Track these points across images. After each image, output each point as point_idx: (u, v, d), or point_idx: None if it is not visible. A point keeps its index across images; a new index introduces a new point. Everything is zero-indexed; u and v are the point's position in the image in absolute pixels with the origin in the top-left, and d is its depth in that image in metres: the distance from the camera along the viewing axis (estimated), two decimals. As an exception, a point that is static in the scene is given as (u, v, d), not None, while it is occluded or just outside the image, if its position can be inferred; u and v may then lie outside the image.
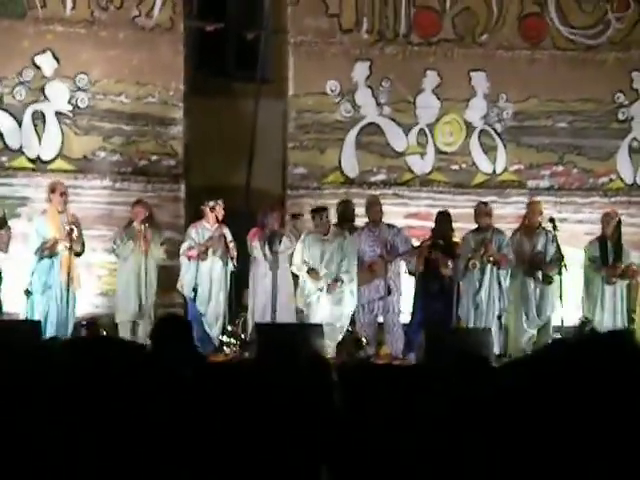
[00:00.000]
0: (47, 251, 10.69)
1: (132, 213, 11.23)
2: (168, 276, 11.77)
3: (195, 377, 4.26)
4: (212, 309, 11.13)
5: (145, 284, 11.08)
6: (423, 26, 12.89)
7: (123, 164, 12.35)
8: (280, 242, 11.05)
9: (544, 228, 11.36)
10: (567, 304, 11.22)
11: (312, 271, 10.80)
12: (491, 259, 11.10)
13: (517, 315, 11.40)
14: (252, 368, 4.18)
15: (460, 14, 12.88)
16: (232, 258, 11.09)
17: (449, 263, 11.04)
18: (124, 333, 11.03)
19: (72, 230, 10.71)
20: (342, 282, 10.77)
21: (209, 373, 4.50)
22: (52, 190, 10.98)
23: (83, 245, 10.92)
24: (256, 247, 11.05)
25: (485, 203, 11.66)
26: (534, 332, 11.42)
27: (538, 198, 12.28)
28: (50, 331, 10.50)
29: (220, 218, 11.22)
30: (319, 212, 11.04)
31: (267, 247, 11.01)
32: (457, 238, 11.35)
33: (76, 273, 10.88)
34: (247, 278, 11.36)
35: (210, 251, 11.10)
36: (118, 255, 11.18)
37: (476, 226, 11.40)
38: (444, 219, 11.34)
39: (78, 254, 10.89)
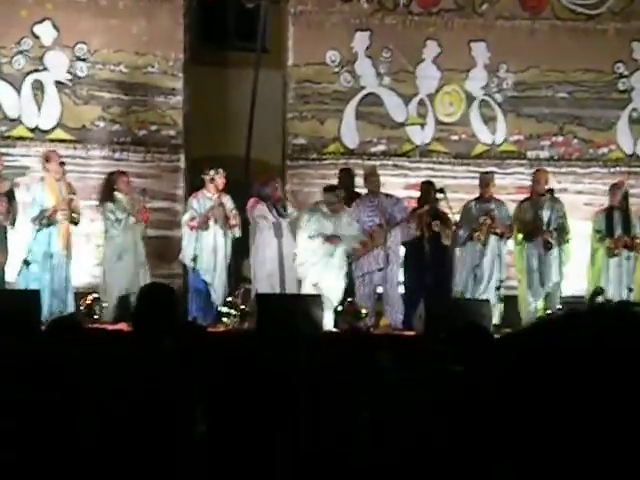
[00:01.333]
0: (46, 220, 10.69)
1: (117, 184, 11.11)
2: (167, 246, 11.80)
3: (176, 349, 4.28)
4: (217, 278, 11.14)
5: (139, 256, 11.09)
6: (423, -4, 12.84)
7: (122, 134, 12.33)
8: (285, 209, 11.09)
9: (550, 197, 11.36)
10: (569, 274, 11.26)
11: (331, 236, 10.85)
12: (498, 231, 11.16)
13: (521, 284, 11.41)
14: (251, 339, 4.21)
15: (460, -16, 12.82)
16: (234, 227, 11.11)
17: (448, 232, 11.07)
18: (116, 305, 10.97)
19: (72, 199, 10.72)
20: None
21: (201, 344, 4.52)
22: (47, 159, 10.95)
23: (79, 214, 10.93)
24: (261, 214, 11.04)
25: (489, 173, 11.69)
26: (538, 302, 11.43)
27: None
28: (49, 301, 10.52)
29: (221, 188, 11.22)
30: (333, 190, 11.07)
31: (273, 213, 11.05)
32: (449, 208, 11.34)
33: (72, 242, 10.91)
34: (246, 249, 11.38)
35: (211, 221, 11.10)
36: (115, 227, 11.09)
37: (477, 195, 11.44)
38: (430, 188, 11.34)
39: (76, 223, 10.89)
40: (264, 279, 10.93)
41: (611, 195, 11.64)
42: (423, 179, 12.02)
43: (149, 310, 4.41)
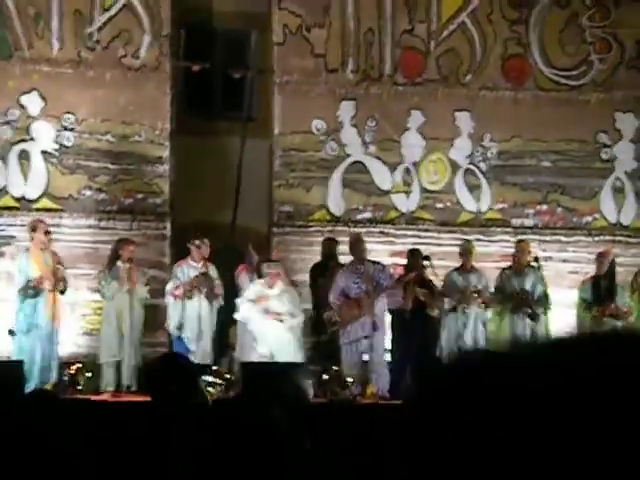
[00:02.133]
0: (32, 290, 10.66)
1: (121, 251, 11.18)
2: (153, 315, 11.76)
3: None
4: (201, 347, 11.12)
5: (130, 324, 11.06)
6: (408, 66, 12.99)
7: (109, 203, 12.36)
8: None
9: (532, 267, 11.41)
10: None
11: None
12: (484, 303, 11.24)
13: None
14: (234, 407, 4.19)
15: (444, 55, 12.98)
16: (218, 296, 11.13)
17: (434, 302, 11.09)
18: (108, 373, 10.99)
19: (58, 269, 10.72)
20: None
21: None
22: (33, 228, 10.95)
23: (66, 283, 10.91)
24: (245, 280, 11.15)
25: (469, 242, 11.76)
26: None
27: (522, 237, 12.35)
28: (35, 371, 10.47)
29: (206, 256, 11.25)
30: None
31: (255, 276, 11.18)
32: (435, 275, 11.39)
33: (59, 312, 10.87)
34: (231, 317, 11.37)
35: (196, 290, 11.12)
36: (103, 295, 11.15)
37: (458, 265, 11.50)
38: (416, 256, 11.39)
39: (62, 292, 10.87)
40: (250, 348, 10.92)
41: (598, 264, 11.70)
42: (409, 246, 12.07)
43: (164, 382, 4.34)
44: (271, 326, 10.93)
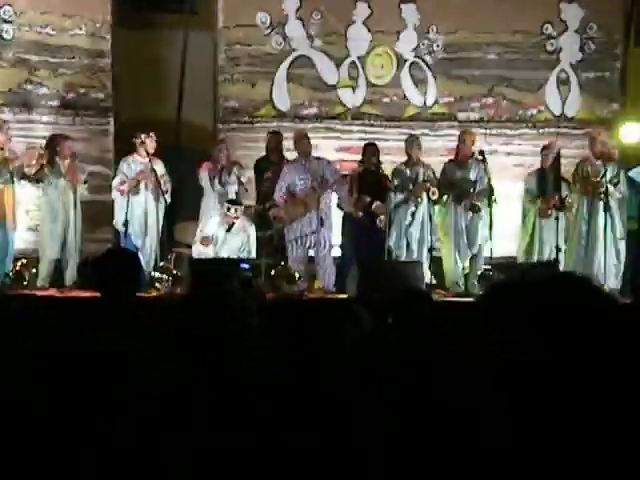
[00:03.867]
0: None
1: (59, 148, 11.05)
2: (98, 211, 11.69)
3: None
4: (148, 243, 11.11)
5: (73, 222, 11.00)
6: (353, -43, 12.79)
7: (50, 97, 12.16)
8: (229, 175, 11.23)
9: (476, 159, 11.43)
10: (499, 236, 11.37)
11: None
12: (434, 196, 11.25)
13: (449, 246, 11.51)
14: (184, 302, 4.20)
15: (390, -55, 12.80)
16: (165, 192, 11.07)
17: (382, 216, 11.10)
18: (48, 270, 10.95)
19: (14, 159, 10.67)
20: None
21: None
22: None
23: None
24: (204, 179, 11.17)
25: (414, 136, 11.74)
26: (466, 263, 11.57)
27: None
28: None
29: (151, 151, 11.15)
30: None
31: (216, 180, 11.10)
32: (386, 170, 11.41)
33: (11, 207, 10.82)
34: (177, 213, 11.37)
35: (142, 185, 11.05)
36: (45, 190, 11.03)
37: (405, 159, 11.49)
38: (372, 150, 11.36)
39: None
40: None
41: (543, 157, 11.74)
42: (355, 142, 12.04)
43: (116, 275, 4.36)
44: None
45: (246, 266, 10.33)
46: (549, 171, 11.60)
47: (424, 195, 11.24)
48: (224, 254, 11.00)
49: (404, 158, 11.54)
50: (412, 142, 11.57)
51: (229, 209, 11.03)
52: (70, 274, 11.05)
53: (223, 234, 11.08)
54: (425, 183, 11.29)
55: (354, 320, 4.56)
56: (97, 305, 4.39)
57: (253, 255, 11.09)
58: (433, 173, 11.46)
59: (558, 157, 11.69)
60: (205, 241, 11.02)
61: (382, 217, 11.09)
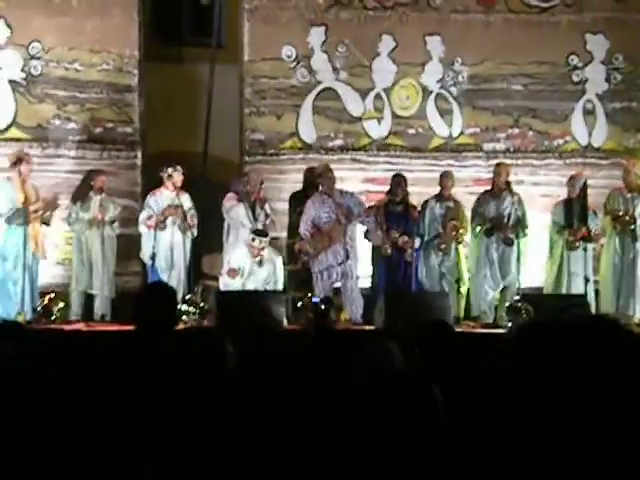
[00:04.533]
0: (21, 220, 10.66)
1: (93, 182, 11.18)
2: (126, 244, 11.75)
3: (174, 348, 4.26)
4: (175, 276, 11.15)
5: (103, 255, 11.08)
6: (378, -10, 12.86)
7: (78, 132, 12.28)
8: (264, 212, 11.28)
9: (510, 190, 11.48)
10: (526, 267, 11.37)
11: None
12: (461, 238, 11.31)
13: (479, 276, 11.52)
14: (211, 334, 4.21)
15: (415, -22, 12.86)
16: (192, 227, 11.12)
17: (410, 247, 11.11)
18: (78, 304, 11.02)
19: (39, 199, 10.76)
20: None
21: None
22: (19, 159, 10.91)
23: (50, 214, 10.95)
24: (237, 218, 11.19)
25: (449, 171, 11.81)
26: (496, 293, 11.56)
27: (494, 161, 12.38)
28: (16, 300, 10.48)
29: (179, 185, 11.22)
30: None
31: (250, 216, 11.13)
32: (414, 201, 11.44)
33: (41, 241, 10.90)
34: (204, 246, 11.40)
35: (169, 220, 11.11)
36: (74, 226, 11.15)
37: (437, 193, 11.54)
38: (398, 181, 11.39)
39: (47, 223, 10.89)
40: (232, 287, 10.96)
41: (569, 187, 11.74)
42: (381, 173, 12.07)
43: (152, 310, 4.37)
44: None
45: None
46: (576, 201, 11.57)
47: (452, 241, 11.32)
48: (251, 286, 11.01)
49: (430, 189, 11.57)
50: (447, 177, 11.62)
51: (254, 239, 11.03)
52: (100, 308, 11.11)
53: (250, 265, 11.07)
54: (453, 223, 11.30)
55: (386, 353, 4.56)
56: (132, 338, 4.40)
57: (280, 287, 11.09)
58: (463, 210, 11.51)
59: (585, 187, 11.66)
60: (232, 273, 11.03)
61: (410, 251, 11.11)
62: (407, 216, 11.24)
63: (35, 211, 10.76)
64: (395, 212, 11.23)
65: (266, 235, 11.14)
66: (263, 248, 11.04)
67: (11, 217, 10.74)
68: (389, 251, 11.15)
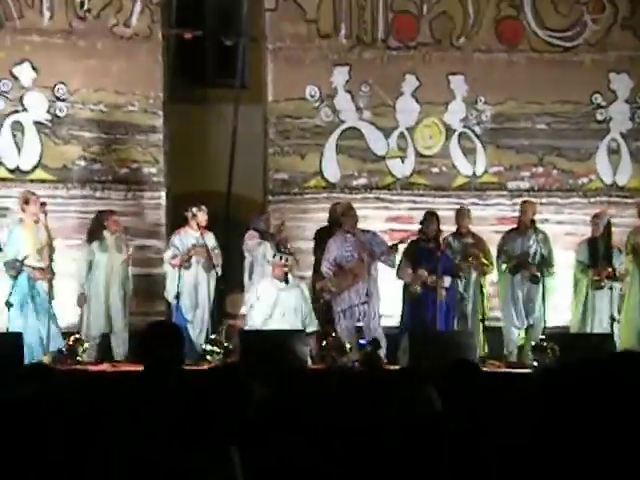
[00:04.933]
0: (13, 271, 10.63)
1: (107, 222, 11.18)
2: (150, 284, 11.77)
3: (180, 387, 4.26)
4: (199, 316, 11.15)
5: (120, 296, 11.08)
6: (401, 30, 12.92)
7: (103, 173, 12.34)
8: (289, 252, 11.20)
9: (535, 228, 11.46)
10: (550, 306, 11.33)
11: None
12: (485, 270, 11.31)
13: (505, 314, 11.49)
14: (234, 373, 4.19)
15: (437, 18, 12.91)
16: (216, 266, 11.13)
17: (440, 287, 11.07)
18: (97, 345, 11.00)
19: (50, 244, 10.73)
20: None
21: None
22: (26, 201, 10.88)
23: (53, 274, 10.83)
24: (264, 257, 11.17)
25: (464, 206, 11.80)
26: (521, 332, 11.53)
27: (518, 199, 12.37)
28: (32, 343, 10.48)
29: (203, 224, 11.25)
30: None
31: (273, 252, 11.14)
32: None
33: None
34: (229, 284, 11.39)
35: (193, 260, 11.12)
36: (91, 266, 11.09)
37: (455, 229, 11.53)
38: (431, 219, 11.36)
39: (49, 280, 10.76)
40: (260, 317, 10.90)
41: (593, 225, 11.72)
42: (405, 212, 12.06)
43: (158, 348, 4.35)
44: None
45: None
46: (600, 240, 11.54)
47: (471, 269, 11.27)
48: (278, 314, 10.87)
49: (453, 228, 11.57)
50: (459, 213, 11.62)
51: (275, 256, 10.95)
52: (119, 348, 11.10)
53: (275, 295, 10.95)
54: (474, 252, 11.27)
55: (425, 399, 4.52)
56: (140, 379, 4.38)
57: (313, 320, 10.96)
58: (485, 245, 11.47)
59: (609, 225, 11.64)
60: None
61: (440, 291, 11.06)
62: (435, 255, 11.19)
63: (36, 261, 10.68)
64: (426, 249, 11.18)
65: (290, 253, 11.08)
66: (286, 265, 10.95)
67: (8, 264, 10.65)
68: (418, 289, 11.10)
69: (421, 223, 11.39)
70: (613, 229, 11.82)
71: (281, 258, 10.92)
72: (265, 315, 10.86)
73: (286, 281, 10.92)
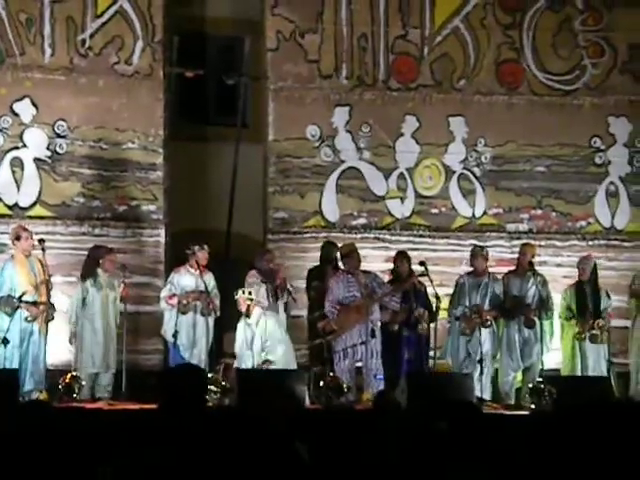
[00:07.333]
0: (8, 308, 10.57)
1: (102, 260, 11.08)
2: (148, 322, 11.73)
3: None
4: (196, 355, 11.09)
5: (116, 331, 11.01)
6: (402, 72, 12.98)
7: (102, 210, 12.33)
8: (288, 294, 11.24)
9: (534, 271, 11.45)
10: (550, 348, 11.34)
11: None
12: (488, 323, 11.29)
13: (501, 357, 11.48)
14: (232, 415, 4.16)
15: (438, 60, 12.98)
16: (214, 309, 11.08)
17: (425, 321, 11.11)
18: (86, 383, 10.87)
19: (48, 280, 10.66)
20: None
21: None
22: (17, 237, 10.81)
23: (54, 310, 10.74)
24: (260, 292, 11.14)
25: (481, 247, 11.77)
26: (517, 374, 11.50)
27: (517, 241, 12.39)
28: (27, 380, 10.42)
29: (203, 263, 11.21)
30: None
31: (270, 298, 11.14)
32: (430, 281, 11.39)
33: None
34: (226, 324, 11.35)
35: (191, 305, 11.05)
36: (85, 303, 10.98)
37: (471, 269, 11.53)
38: (404, 259, 11.39)
39: (48, 321, 10.67)
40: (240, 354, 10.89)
41: (580, 270, 11.73)
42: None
43: (181, 392, 4.29)
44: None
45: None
46: (587, 284, 11.58)
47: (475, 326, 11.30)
48: (259, 336, 10.84)
49: (452, 269, 11.58)
50: (476, 253, 11.59)
51: (237, 292, 10.89)
52: (104, 385, 10.96)
53: (243, 328, 10.92)
54: (475, 319, 11.28)
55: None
56: (156, 419, 4.33)
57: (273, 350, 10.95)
58: (500, 287, 11.47)
59: (595, 269, 11.68)
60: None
61: (422, 325, 11.11)
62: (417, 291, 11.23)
63: (39, 304, 10.61)
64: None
65: (289, 293, 11.16)
66: (251, 299, 10.88)
67: (4, 303, 10.58)
68: (395, 327, 11.12)
69: (394, 262, 11.40)
70: (610, 272, 11.83)
71: (243, 292, 10.89)
72: (240, 350, 10.83)
73: (247, 316, 10.88)
